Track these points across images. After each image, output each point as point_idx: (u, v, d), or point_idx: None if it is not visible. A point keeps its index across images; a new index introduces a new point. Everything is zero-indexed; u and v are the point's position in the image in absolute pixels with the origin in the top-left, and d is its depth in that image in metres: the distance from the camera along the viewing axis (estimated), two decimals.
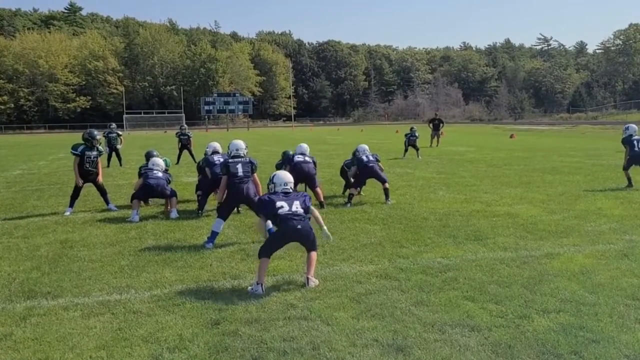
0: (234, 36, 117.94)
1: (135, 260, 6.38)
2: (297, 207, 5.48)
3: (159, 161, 9.71)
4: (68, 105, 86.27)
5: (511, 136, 35.30)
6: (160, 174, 9.35)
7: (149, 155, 10.28)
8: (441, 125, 25.98)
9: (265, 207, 5.58)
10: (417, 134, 19.62)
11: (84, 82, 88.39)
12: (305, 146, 10.18)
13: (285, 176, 5.82)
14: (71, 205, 9.64)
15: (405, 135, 19.94)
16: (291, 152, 10.24)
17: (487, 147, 25.86)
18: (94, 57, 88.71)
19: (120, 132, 18.01)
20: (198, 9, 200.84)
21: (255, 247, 6.74)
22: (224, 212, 7.29)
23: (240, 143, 7.66)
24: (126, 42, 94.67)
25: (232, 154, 7.45)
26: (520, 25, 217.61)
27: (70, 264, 6.25)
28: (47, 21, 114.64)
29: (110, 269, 6.02)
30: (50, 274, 5.89)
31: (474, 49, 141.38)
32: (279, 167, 9.85)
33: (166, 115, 75.40)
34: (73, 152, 9.60)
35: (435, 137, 25.30)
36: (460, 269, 5.72)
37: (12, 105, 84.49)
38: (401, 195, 10.80)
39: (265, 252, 5.37)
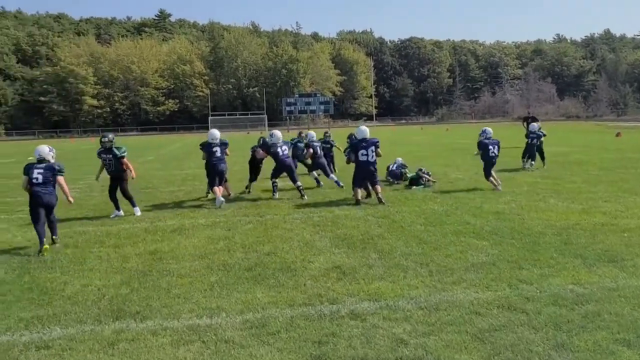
0: (315, 36, 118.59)
1: (225, 276, 5.96)
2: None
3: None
4: (158, 108, 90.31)
5: (617, 134, 32.41)
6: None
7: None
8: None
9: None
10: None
11: (172, 86, 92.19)
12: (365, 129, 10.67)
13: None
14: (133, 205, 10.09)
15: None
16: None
17: (592, 146, 23.82)
18: (181, 61, 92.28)
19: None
20: (280, 11, 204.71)
21: (351, 264, 6.17)
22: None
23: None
24: (211, 45, 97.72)
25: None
26: (622, 14, 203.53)
27: (160, 279, 5.94)
28: (139, 28, 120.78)
29: (200, 286, 5.64)
30: (139, 289, 5.59)
31: (568, 41, 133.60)
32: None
33: (249, 116, 76.89)
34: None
35: None
36: (600, 300, 4.79)
37: (108, 109, 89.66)
38: (505, 203, 9.80)
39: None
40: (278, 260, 6.53)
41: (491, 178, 11.41)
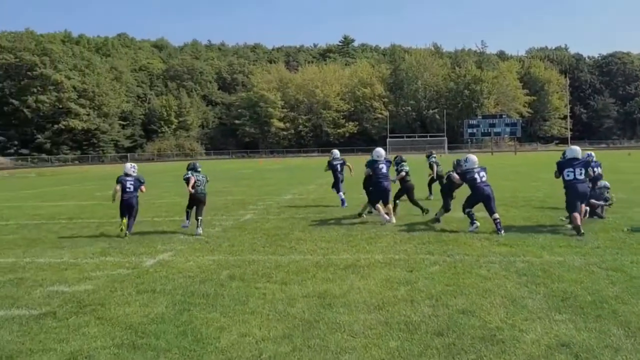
0: (501, 55, 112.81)
1: (409, 341, 4.58)
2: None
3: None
4: (338, 130, 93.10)
5: None
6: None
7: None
8: None
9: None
10: None
11: (352, 109, 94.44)
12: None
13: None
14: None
15: None
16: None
17: None
18: (362, 84, 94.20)
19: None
20: (464, 31, 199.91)
21: (584, 342, 4.36)
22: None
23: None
24: (392, 68, 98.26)
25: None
26: None
27: (328, 336, 4.76)
28: (324, 54, 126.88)
29: (377, 354, 4.33)
30: (302, 349, 4.47)
31: None
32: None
33: (428, 138, 74.96)
34: None
35: None
36: None
37: (293, 131, 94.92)
38: None
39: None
40: (477, 324, 4.95)
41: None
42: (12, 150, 76.41)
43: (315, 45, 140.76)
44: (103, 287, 6.64)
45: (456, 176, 10.52)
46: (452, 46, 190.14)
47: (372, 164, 11.24)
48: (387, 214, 11.02)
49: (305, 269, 7.27)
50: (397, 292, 6.04)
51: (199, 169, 11.01)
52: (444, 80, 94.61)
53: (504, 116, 73.37)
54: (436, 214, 11.13)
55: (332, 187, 14.69)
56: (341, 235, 9.80)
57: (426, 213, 11.71)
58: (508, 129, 71.05)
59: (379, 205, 11.02)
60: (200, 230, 10.28)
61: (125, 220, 10.40)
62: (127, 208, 10.46)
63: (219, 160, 76.48)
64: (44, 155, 78.00)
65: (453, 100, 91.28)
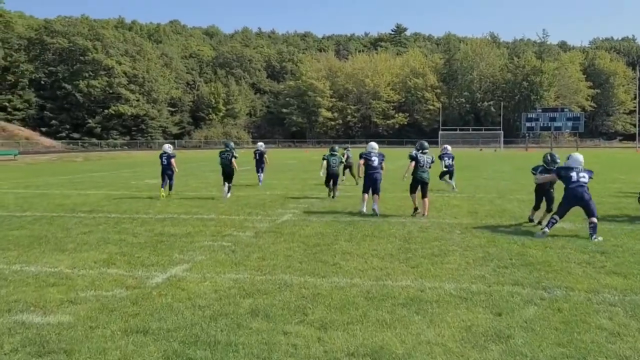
0: (563, 45, 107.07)
1: None
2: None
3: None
4: (387, 122, 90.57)
5: None
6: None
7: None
8: None
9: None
10: None
11: (403, 99, 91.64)
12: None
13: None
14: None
15: None
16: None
17: None
18: (414, 74, 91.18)
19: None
20: (523, 19, 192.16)
21: None
22: None
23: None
24: (446, 58, 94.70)
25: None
26: None
27: None
28: (375, 43, 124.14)
29: None
30: None
31: None
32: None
33: (482, 132, 71.11)
34: None
35: None
36: None
37: (341, 121, 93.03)
38: None
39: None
40: None
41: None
42: (63, 134, 77.66)
43: (366, 34, 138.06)
44: (84, 319, 5.00)
45: (540, 177, 9.53)
46: (510, 36, 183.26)
47: (366, 156, 11.65)
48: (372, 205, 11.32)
49: (352, 302, 5.45)
50: (488, 356, 4.13)
51: (228, 147, 15.15)
52: (500, 71, 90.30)
53: (565, 110, 68.93)
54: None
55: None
56: (397, 249, 7.92)
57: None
58: (570, 124, 66.67)
59: (367, 194, 11.49)
60: (228, 195, 14.27)
61: (162, 191, 14.77)
62: (163, 175, 15.01)
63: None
64: (94, 140, 79.00)
65: (510, 92, 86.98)
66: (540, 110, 68.87)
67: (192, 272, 6.65)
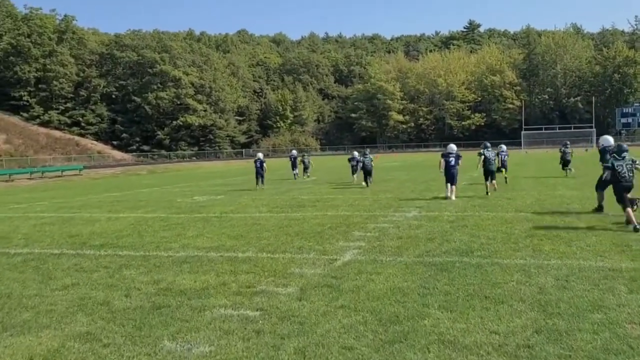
0: None
1: None
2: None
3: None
4: (463, 123, 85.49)
5: None
6: None
7: None
8: None
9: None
10: None
11: (479, 99, 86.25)
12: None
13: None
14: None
15: None
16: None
17: None
18: (490, 71, 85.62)
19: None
20: (608, 7, 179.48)
21: None
22: None
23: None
24: (525, 52, 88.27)
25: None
26: None
27: None
28: (446, 42, 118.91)
29: None
30: None
31: None
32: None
33: (572, 130, 64.19)
34: None
35: None
36: None
37: (412, 124, 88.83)
38: None
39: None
40: None
41: None
42: (134, 147, 78.45)
43: (437, 33, 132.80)
44: None
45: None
46: (594, 27, 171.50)
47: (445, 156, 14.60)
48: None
49: None
50: None
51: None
52: (587, 63, 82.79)
53: None
54: None
55: None
56: (533, 330, 4.52)
57: None
58: None
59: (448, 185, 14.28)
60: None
61: (257, 187, 19.93)
62: (257, 176, 20.39)
63: (333, 156, 72.86)
64: (163, 152, 79.32)
65: (600, 86, 79.37)
66: (637, 105, 61.81)
67: None
